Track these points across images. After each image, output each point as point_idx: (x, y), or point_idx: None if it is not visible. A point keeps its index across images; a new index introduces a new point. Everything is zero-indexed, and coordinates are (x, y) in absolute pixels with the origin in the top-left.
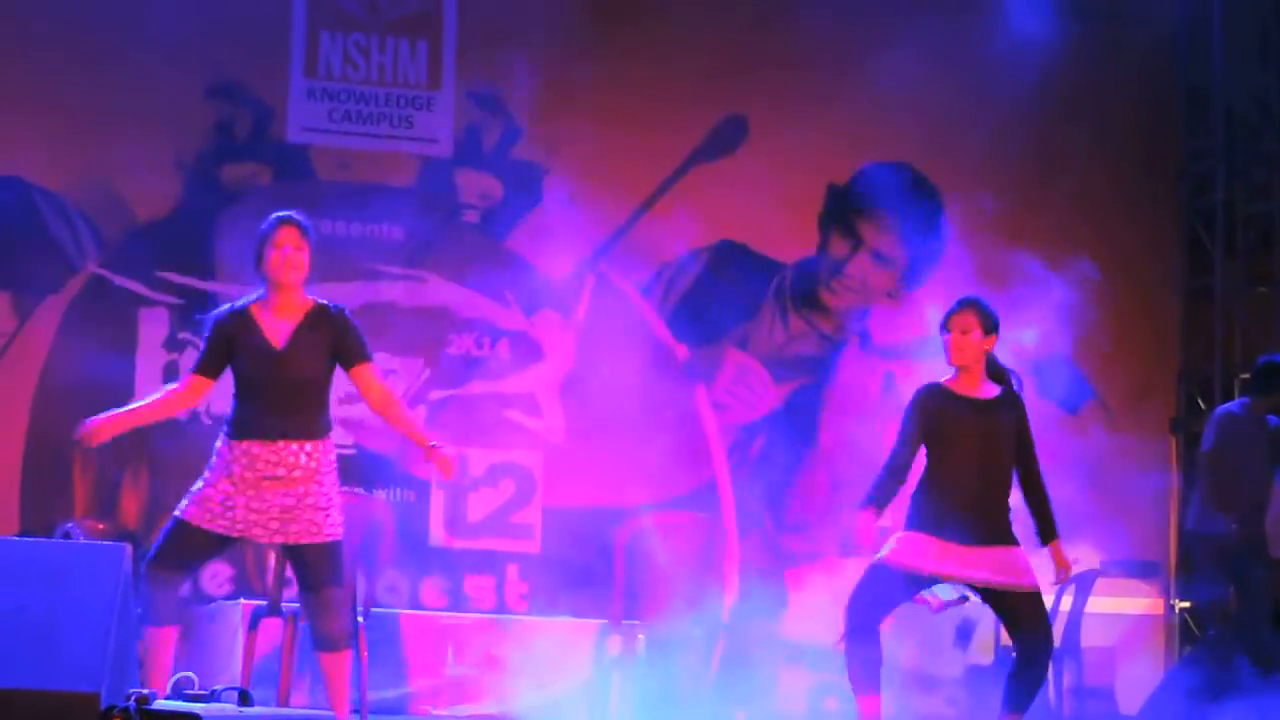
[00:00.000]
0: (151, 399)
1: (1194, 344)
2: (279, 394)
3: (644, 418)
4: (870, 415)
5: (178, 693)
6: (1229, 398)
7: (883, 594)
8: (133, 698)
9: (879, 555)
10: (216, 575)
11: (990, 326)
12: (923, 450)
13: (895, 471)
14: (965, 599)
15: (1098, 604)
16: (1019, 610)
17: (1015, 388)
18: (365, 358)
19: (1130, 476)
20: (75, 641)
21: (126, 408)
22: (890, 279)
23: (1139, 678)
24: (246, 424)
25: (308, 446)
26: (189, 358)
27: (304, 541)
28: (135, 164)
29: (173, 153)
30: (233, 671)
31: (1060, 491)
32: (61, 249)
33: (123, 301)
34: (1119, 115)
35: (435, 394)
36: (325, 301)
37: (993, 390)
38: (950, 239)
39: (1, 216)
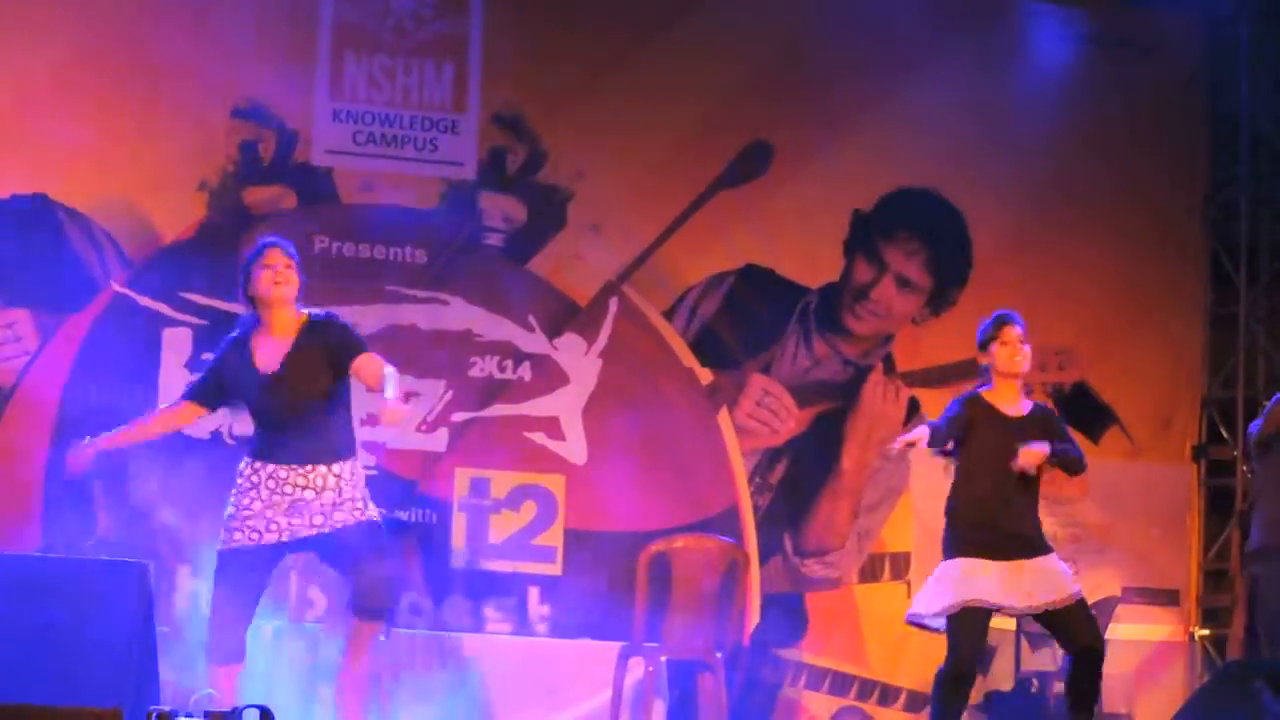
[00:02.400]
0: (140, 420)
1: (1217, 372)
2: (286, 416)
3: (666, 441)
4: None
5: (199, 710)
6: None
7: (973, 633)
8: (154, 714)
9: (946, 601)
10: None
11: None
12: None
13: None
14: None
15: (1118, 631)
16: (1069, 621)
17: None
18: (360, 349)
19: (1152, 504)
20: (97, 658)
21: (114, 431)
22: (915, 305)
23: (1159, 706)
24: (269, 448)
25: (335, 468)
26: None
27: (349, 523)
28: (160, 184)
29: (197, 174)
30: (254, 690)
31: (1081, 518)
32: (85, 268)
33: (146, 321)
34: (1144, 143)
35: (457, 416)
36: (314, 312)
37: (1027, 406)
38: (975, 265)
39: (25, 234)
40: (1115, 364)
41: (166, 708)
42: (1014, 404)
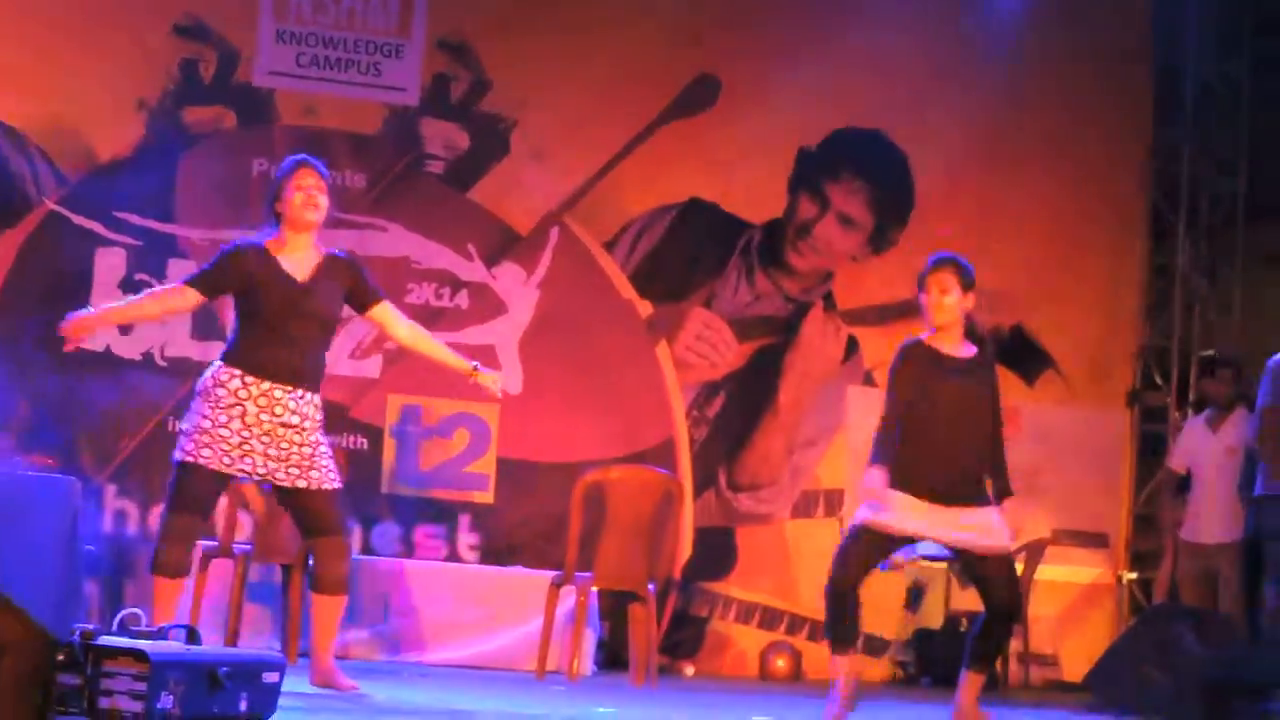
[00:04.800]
0: (137, 298)
1: (1155, 320)
2: (302, 331)
3: (604, 373)
4: (831, 379)
5: (125, 629)
6: (1186, 374)
7: (864, 554)
8: (79, 633)
9: (860, 518)
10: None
11: (968, 284)
12: None
13: (891, 428)
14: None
15: (1047, 572)
16: (991, 572)
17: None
18: (381, 296)
19: (1084, 448)
20: (21, 573)
21: (111, 305)
22: (856, 243)
23: (1085, 647)
24: (268, 364)
25: (317, 399)
26: None
27: (324, 487)
28: (98, 102)
29: (136, 92)
30: (181, 610)
31: (1014, 460)
32: (19, 184)
33: (79, 240)
34: (1089, 92)
35: (391, 343)
36: (333, 250)
37: (970, 350)
38: (916, 206)
39: None
40: (1053, 308)
41: (91, 625)
42: (957, 347)
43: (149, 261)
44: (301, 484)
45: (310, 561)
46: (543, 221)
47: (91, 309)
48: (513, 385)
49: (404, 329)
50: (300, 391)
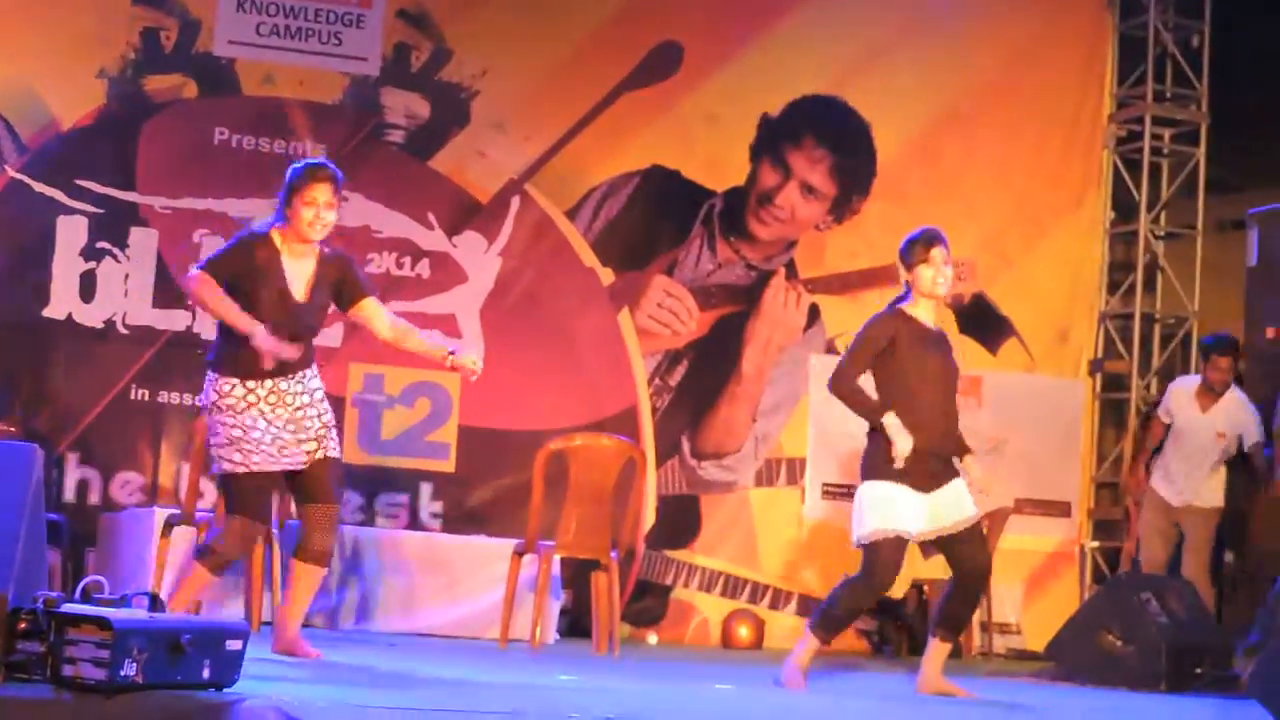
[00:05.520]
0: (218, 296)
1: (1116, 288)
2: (294, 336)
3: (565, 341)
4: (793, 347)
5: (87, 597)
6: (1148, 342)
7: (898, 562)
8: (41, 600)
9: (875, 528)
10: (128, 484)
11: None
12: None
13: (845, 378)
14: None
15: (1009, 541)
16: (963, 541)
17: None
18: (368, 292)
19: (1046, 416)
20: None
21: (234, 313)
22: (819, 211)
23: (1048, 616)
24: (260, 366)
25: (314, 369)
26: (107, 267)
27: (328, 454)
28: (59, 70)
29: (97, 60)
30: (144, 578)
31: (976, 428)
32: None
33: (41, 208)
34: (1051, 60)
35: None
36: (333, 249)
37: (937, 323)
38: (879, 175)
39: None
40: (1014, 277)
41: (53, 593)
42: (930, 319)
43: (110, 229)
44: (320, 453)
45: (294, 525)
46: (504, 190)
47: (252, 330)
48: (474, 353)
49: (386, 326)
50: (300, 373)
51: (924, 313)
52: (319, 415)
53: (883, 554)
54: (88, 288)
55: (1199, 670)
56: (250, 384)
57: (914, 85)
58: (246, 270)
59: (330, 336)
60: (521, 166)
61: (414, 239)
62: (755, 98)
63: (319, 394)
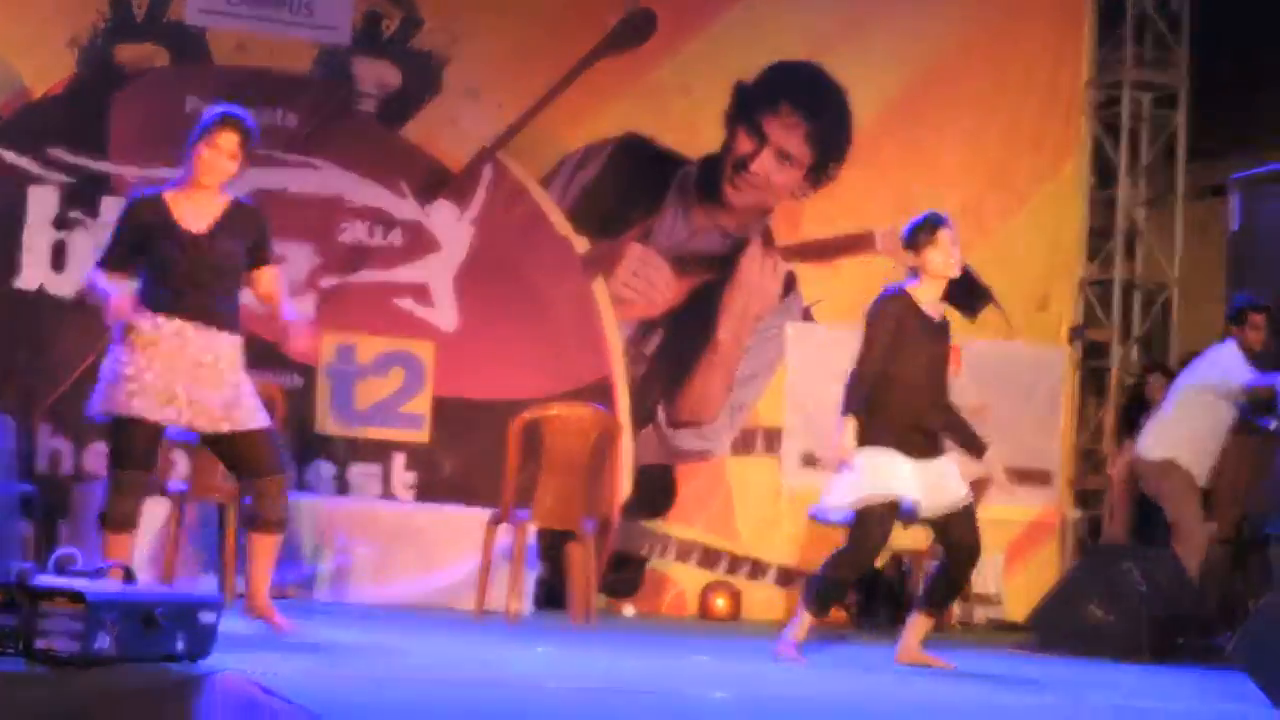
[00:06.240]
0: (106, 284)
1: (1096, 255)
2: (203, 277)
3: (540, 310)
4: (769, 315)
5: (61, 569)
6: (1128, 309)
7: (886, 530)
8: (14, 574)
9: (863, 495)
10: (101, 454)
11: None
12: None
13: (869, 378)
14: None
15: (989, 511)
16: (956, 522)
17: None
18: (271, 260)
19: (1026, 384)
20: None
21: (106, 289)
22: (795, 178)
23: (1028, 586)
24: (174, 301)
25: (234, 339)
26: (78, 236)
27: (250, 427)
28: (29, 39)
29: (67, 29)
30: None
31: (955, 397)
32: None
33: (11, 178)
34: (1028, 23)
35: (326, 281)
36: (241, 198)
37: (939, 310)
38: (854, 141)
39: None
40: (993, 243)
41: (26, 565)
42: (935, 306)
43: (82, 199)
44: (225, 428)
45: (246, 501)
46: (476, 158)
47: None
48: (448, 323)
49: (268, 293)
50: (214, 330)
51: (929, 297)
52: (223, 383)
53: (872, 522)
54: (59, 258)
55: (1182, 641)
56: (160, 318)
57: (890, 51)
58: (140, 236)
59: (303, 305)
60: (494, 134)
61: (386, 208)
62: (730, 64)
63: (228, 363)
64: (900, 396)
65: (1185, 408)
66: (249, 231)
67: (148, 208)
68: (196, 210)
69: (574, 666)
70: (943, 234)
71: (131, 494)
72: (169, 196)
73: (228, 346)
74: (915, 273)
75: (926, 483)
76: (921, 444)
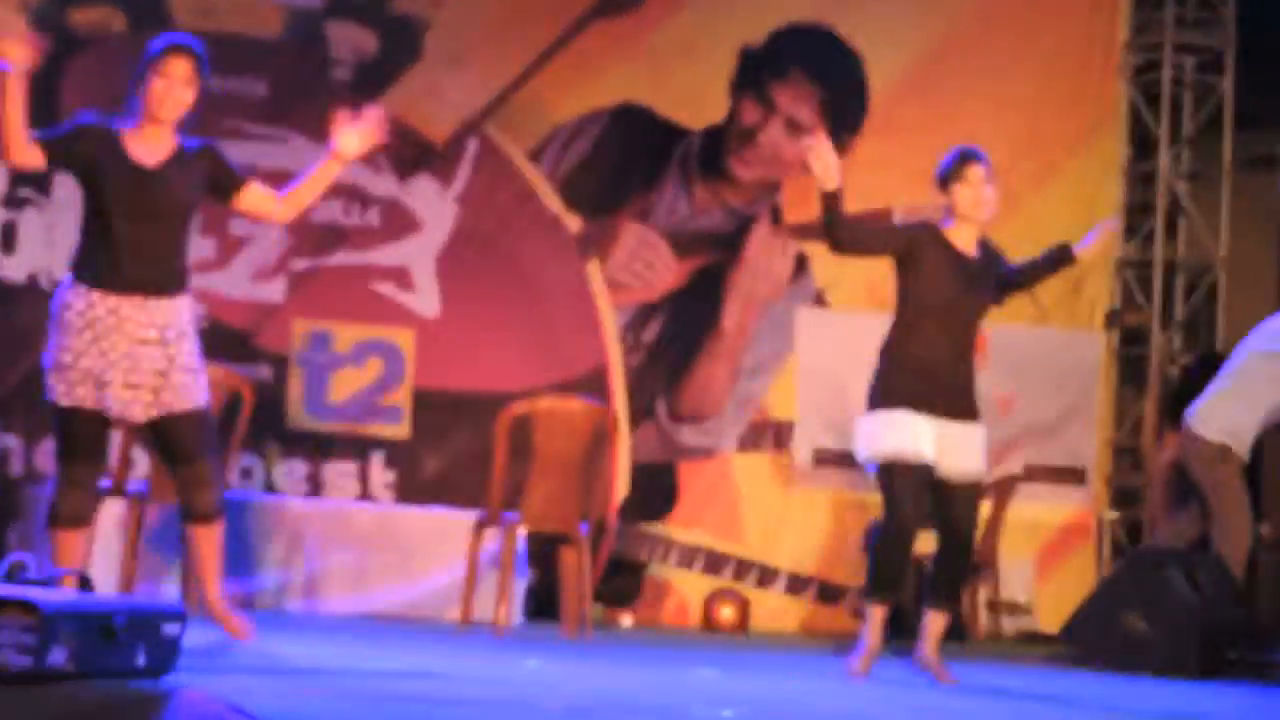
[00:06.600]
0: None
1: (1134, 232)
2: (150, 226)
3: (529, 294)
4: (779, 300)
5: (12, 577)
6: (1169, 290)
7: (917, 488)
8: None
9: (886, 450)
10: (53, 453)
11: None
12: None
13: (850, 226)
14: None
15: (1019, 512)
16: (957, 499)
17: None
18: (244, 178)
19: (1059, 374)
20: None
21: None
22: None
23: (1062, 595)
24: (113, 276)
25: (178, 301)
26: (29, 216)
27: (176, 410)
28: None
29: None
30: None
31: (981, 388)
32: None
33: None
34: None
35: (297, 264)
36: (193, 140)
37: (978, 249)
38: (871, 111)
39: None
40: (1022, 221)
41: None
42: (970, 246)
43: (32, 176)
44: (154, 413)
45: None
46: (460, 130)
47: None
48: (429, 309)
49: (278, 205)
50: (154, 300)
51: (963, 239)
52: (162, 357)
53: (896, 483)
54: (8, 239)
55: (1233, 655)
56: (95, 295)
57: (909, 12)
58: (83, 156)
59: (273, 291)
60: (479, 104)
61: (362, 184)
62: (735, 27)
63: (175, 332)
64: (921, 343)
65: (1249, 379)
66: (203, 164)
67: (99, 136)
68: (148, 148)
69: (568, 682)
70: (973, 170)
71: (80, 488)
72: (121, 129)
73: (173, 315)
74: (949, 214)
75: (945, 444)
76: (942, 399)
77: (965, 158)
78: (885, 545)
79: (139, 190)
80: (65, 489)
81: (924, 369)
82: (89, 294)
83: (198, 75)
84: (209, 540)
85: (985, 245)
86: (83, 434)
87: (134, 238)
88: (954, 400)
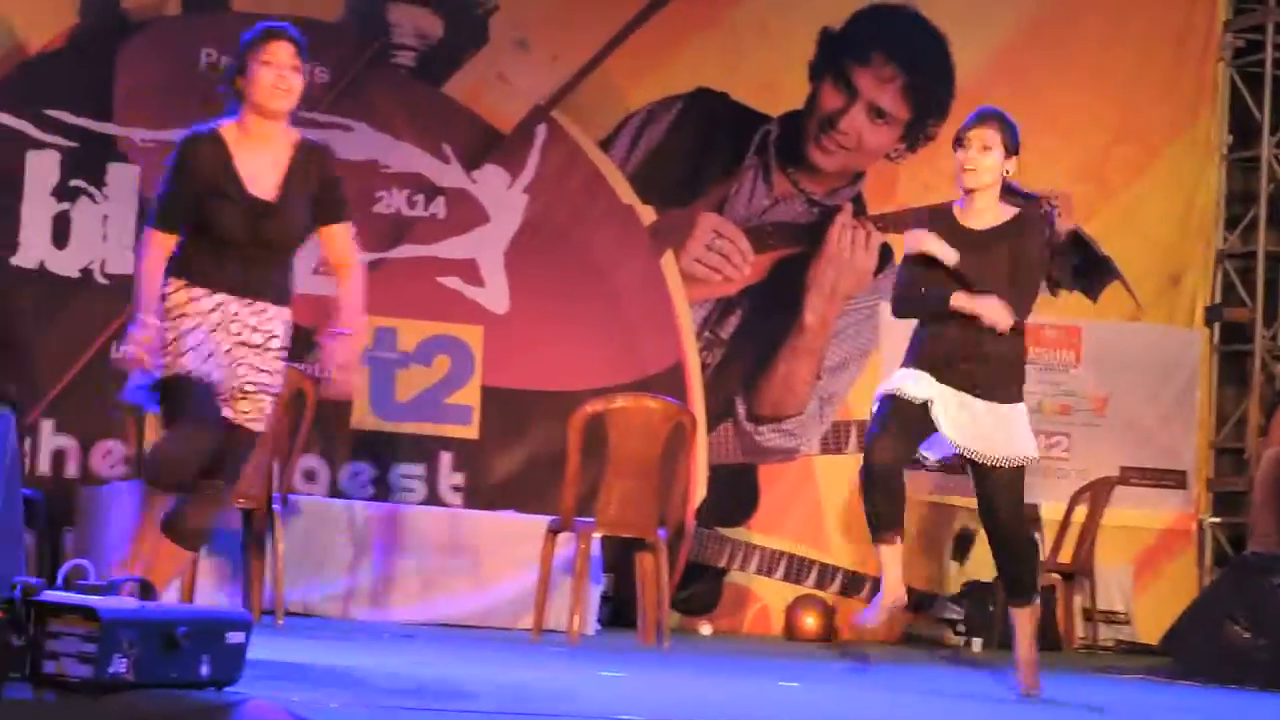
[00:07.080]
0: (145, 276)
1: (1235, 223)
2: (262, 250)
3: (601, 289)
4: (862, 294)
5: (70, 584)
6: (1272, 284)
7: (901, 424)
8: (19, 587)
9: (885, 388)
10: (110, 454)
11: (1013, 147)
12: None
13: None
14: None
15: (1115, 517)
16: (993, 485)
17: (1049, 218)
18: (345, 213)
19: (1157, 372)
20: None
21: (142, 299)
22: (890, 138)
23: (1162, 603)
24: (219, 275)
25: (286, 314)
26: (82, 208)
27: (243, 424)
28: None
29: None
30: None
31: (1075, 387)
32: None
33: (7, 142)
34: None
35: (361, 257)
36: (311, 138)
37: (1002, 216)
38: (958, 96)
39: None
40: (1117, 212)
41: (32, 580)
42: (984, 216)
43: (85, 165)
44: (227, 414)
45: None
46: (528, 118)
47: (140, 320)
48: (498, 304)
49: (340, 256)
50: (262, 304)
51: (973, 212)
52: (259, 367)
53: (876, 416)
54: (61, 232)
55: None
56: (199, 291)
57: None
58: (200, 192)
59: (334, 285)
60: (548, 91)
61: (427, 174)
62: (814, 8)
63: (278, 341)
64: (932, 320)
65: None
66: (316, 180)
67: (209, 156)
68: (261, 165)
69: (645, 694)
70: (972, 133)
71: (190, 449)
72: (228, 136)
73: (279, 324)
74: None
75: (966, 420)
76: (961, 377)
77: (971, 118)
78: (861, 479)
79: (255, 223)
80: (170, 450)
81: (937, 347)
82: (190, 288)
83: (301, 59)
84: (173, 561)
85: (1020, 216)
86: (192, 395)
87: (249, 255)
88: (977, 377)
